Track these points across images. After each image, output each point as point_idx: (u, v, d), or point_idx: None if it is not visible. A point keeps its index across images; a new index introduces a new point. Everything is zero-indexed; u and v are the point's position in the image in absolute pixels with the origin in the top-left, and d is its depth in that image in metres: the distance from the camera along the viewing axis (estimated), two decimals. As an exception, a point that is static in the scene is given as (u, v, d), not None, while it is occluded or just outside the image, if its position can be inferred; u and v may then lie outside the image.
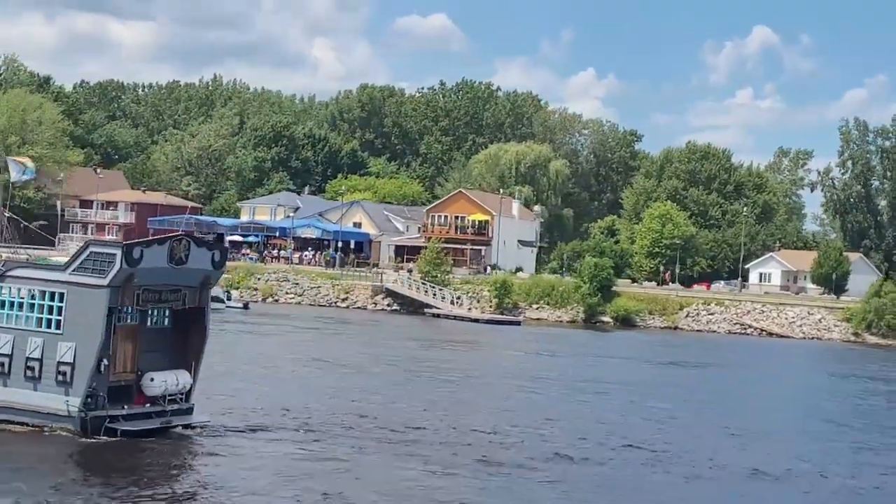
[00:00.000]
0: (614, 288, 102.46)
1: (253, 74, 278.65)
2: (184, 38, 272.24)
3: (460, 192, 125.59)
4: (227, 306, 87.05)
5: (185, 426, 30.07)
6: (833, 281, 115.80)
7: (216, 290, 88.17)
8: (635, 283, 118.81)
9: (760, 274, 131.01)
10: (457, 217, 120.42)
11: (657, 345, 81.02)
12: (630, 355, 70.73)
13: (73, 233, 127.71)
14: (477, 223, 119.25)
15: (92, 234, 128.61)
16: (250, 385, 41.68)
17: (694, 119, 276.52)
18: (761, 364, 71.91)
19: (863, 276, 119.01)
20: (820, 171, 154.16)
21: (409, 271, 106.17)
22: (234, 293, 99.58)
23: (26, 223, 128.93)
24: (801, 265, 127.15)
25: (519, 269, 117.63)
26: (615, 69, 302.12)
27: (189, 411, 30.41)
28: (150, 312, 30.37)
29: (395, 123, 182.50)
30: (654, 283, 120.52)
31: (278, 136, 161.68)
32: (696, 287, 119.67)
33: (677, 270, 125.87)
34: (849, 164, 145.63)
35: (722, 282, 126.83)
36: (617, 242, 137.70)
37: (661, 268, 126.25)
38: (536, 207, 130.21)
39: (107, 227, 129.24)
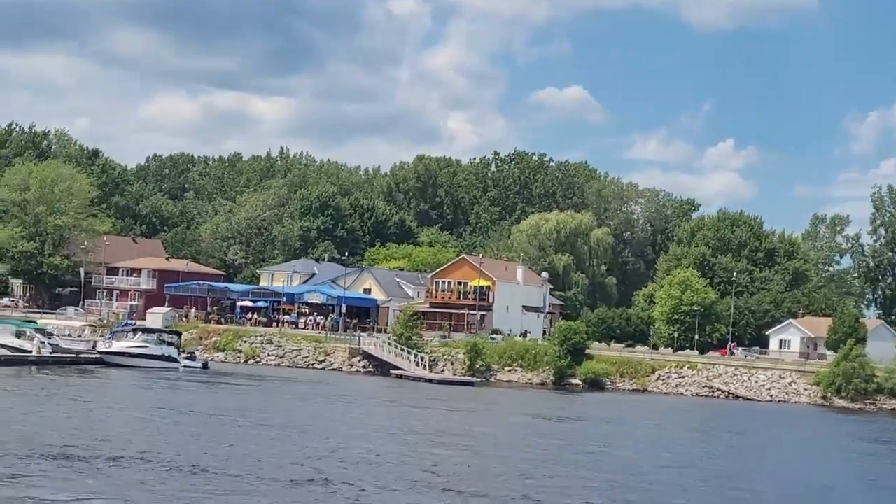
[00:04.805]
0: (588, 351, 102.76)
1: (387, 147, 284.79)
2: (323, 112, 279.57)
3: (463, 258, 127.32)
4: (184, 366, 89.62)
5: None
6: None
7: (171, 351, 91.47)
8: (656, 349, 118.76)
9: (780, 340, 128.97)
10: (459, 283, 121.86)
11: (584, 403, 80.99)
12: (529, 411, 70.95)
13: (98, 298, 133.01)
14: (478, 289, 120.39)
15: (116, 299, 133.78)
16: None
17: (836, 190, 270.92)
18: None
19: (882, 343, 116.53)
20: (850, 237, 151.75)
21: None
22: (208, 355, 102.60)
23: (59, 289, 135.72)
24: (820, 332, 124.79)
25: (524, 334, 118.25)
26: (755, 140, 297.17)
27: None
28: None
29: (448, 193, 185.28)
30: (669, 350, 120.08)
31: (324, 205, 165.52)
32: (710, 354, 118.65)
33: (696, 337, 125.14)
34: (881, 230, 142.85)
35: (740, 348, 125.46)
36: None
37: (729, 337, 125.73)
38: (544, 273, 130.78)
39: (129, 292, 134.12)
